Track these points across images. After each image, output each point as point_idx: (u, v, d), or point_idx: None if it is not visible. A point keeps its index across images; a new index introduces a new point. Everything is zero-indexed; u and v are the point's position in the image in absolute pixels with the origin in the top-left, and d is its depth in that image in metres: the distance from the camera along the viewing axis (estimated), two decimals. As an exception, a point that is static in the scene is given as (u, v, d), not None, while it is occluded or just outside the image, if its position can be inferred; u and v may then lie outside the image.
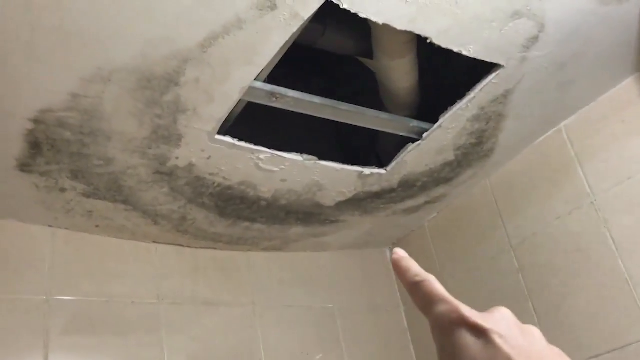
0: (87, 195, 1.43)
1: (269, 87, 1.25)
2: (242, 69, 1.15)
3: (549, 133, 1.64)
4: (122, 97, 1.16)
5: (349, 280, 2.03)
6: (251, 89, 1.22)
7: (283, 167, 1.48)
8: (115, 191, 1.44)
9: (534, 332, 0.39)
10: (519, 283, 1.66)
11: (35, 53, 1.03)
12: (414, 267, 0.43)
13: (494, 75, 1.34)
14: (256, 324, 1.76)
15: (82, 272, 1.54)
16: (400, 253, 0.45)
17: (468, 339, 0.36)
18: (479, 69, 1.36)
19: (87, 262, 1.56)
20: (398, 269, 0.43)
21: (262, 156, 1.42)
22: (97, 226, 1.57)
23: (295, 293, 1.89)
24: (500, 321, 0.38)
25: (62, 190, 1.40)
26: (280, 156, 1.44)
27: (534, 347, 0.37)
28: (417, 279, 0.42)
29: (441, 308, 0.39)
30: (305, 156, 1.48)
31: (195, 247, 1.77)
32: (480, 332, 0.36)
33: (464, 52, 1.24)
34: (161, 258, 1.69)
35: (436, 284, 0.41)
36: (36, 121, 1.19)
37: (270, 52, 1.12)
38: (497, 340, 0.35)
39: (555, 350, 0.38)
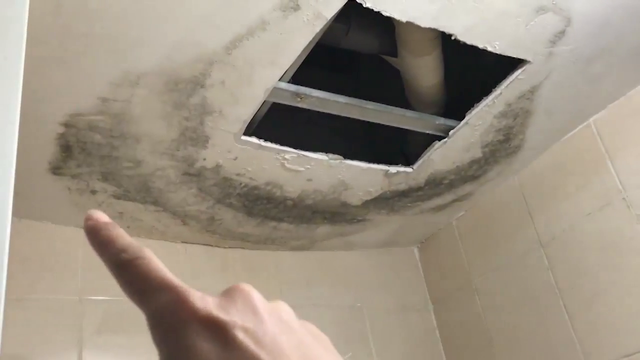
0: (117, 197, 1.46)
1: (294, 87, 1.26)
2: (266, 70, 1.16)
3: (578, 128, 1.61)
4: (150, 100, 1.19)
5: (377, 279, 2.03)
6: (276, 89, 1.23)
7: (308, 166, 1.49)
8: (144, 192, 1.46)
9: (283, 309, 0.30)
10: (549, 281, 1.64)
11: (65, 58, 1.06)
12: (122, 239, 0.30)
13: (520, 71, 1.33)
14: (285, 323, 1.76)
15: (113, 272, 1.57)
16: (97, 216, 0.31)
17: (201, 342, 0.26)
18: (505, 65, 1.35)
19: (119, 262, 1.59)
20: (95, 240, 0.30)
21: (287, 156, 1.43)
22: (127, 227, 1.60)
23: (324, 292, 1.90)
24: (243, 308, 0.28)
25: (93, 192, 1.43)
26: (305, 156, 1.45)
27: (286, 334, 0.28)
28: (125, 256, 0.29)
29: (162, 298, 0.28)
30: (331, 156, 1.48)
31: (224, 247, 1.79)
32: (218, 329, 0.26)
33: (490, 48, 1.23)
34: (190, 258, 1.72)
35: (155, 261, 0.29)
36: (67, 125, 1.22)
37: (294, 53, 1.13)
38: (240, 336, 0.26)
39: (310, 328, 0.31)
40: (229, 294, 0.29)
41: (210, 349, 0.26)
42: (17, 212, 1.46)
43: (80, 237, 1.55)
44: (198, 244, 1.74)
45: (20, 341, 1.38)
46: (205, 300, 0.28)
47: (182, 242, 1.72)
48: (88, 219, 0.31)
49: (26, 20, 0.58)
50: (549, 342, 1.61)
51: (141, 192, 1.46)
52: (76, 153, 1.30)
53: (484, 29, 1.17)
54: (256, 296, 0.29)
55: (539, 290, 1.67)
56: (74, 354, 1.42)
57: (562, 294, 1.61)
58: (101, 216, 0.31)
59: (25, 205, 1.45)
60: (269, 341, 0.27)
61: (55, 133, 1.24)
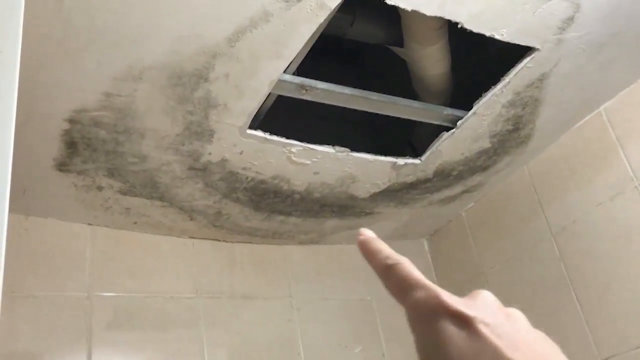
0: (123, 193, 1.46)
1: (299, 79, 1.25)
2: (270, 62, 1.14)
3: (589, 117, 1.59)
4: (154, 95, 1.18)
5: (386, 272, 2.01)
6: (280, 82, 1.22)
7: (315, 159, 1.47)
8: (150, 188, 1.46)
9: (518, 316, 0.36)
10: (560, 272, 1.62)
11: (68, 53, 1.05)
12: (385, 249, 0.38)
13: (528, 59, 1.31)
14: (294, 317, 1.76)
15: (121, 268, 1.57)
16: (367, 233, 0.40)
17: (451, 330, 0.32)
18: (513, 54, 1.32)
19: (126, 258, 1.59)
20: (367, 251, 0.39)
21: (293, 149, 1.42)
22: (135, 223, 1.59)
23: (333, 285, 1.89)
24: (484, 307, 0.34)
25: (100, 188, 1.43)
26: (312, 149, 1.43)
27: (520, 333, 0.33)
28: (389, 261, 0.37)
29: (419, 294, 0.35)
30: (337, 148, 1.47)
31: (232, 242, 1.78)
32: (464, 321, 0.32)
33: (497, 36, 1.21)
34: (198, 253, 1.71)
35: (411, 266, 0.37)
36: (71, 121, 1.21)
37: (298, 44, 1.11)
38: (483, 329, 0.32)
39: (540, 334, 0.35)
40: (471, 296, 0.35)
41: (458, 335, 0.32)
42: (24, 210, 1.46)
43: (88, 233, 1.55)
44: (205, 239, 1.74)
45: (29, 338, 1.38)
46: (453, 298, 0.34)
47: (190, 237, 1.71)
48: (360, 234, 0.40)
49: (22, 14, 0.57)
50: (561, 333, 1.59)
51: (147, 188, 1.45)
52: (81, 149, 1.29)
53: (490, 17, 1.15)
54: (495, 300, 0.36)
55: (550, 281, 1.65)
56: (84, 350, 1.42)
57: (573, 284, 1.59)
58: (370, 233, 0.40)
59: (32, 203, 1.45)
60: (506, 335, 0.32)
61: (60, 129, 1.23)
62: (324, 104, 1.35)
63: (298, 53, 1.14)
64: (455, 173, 1.69)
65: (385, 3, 1.06)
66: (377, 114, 1.46)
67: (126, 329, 1.50)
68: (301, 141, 1.42)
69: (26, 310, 1.40)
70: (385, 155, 1.55)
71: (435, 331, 0.33)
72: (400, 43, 1.39)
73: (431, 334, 0.33)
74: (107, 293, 1.51)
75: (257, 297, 1.73)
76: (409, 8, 1.08)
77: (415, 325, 0.34)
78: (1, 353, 1.34)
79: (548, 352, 0.34)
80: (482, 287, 1.57)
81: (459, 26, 1.16)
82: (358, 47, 1.74)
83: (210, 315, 1.64)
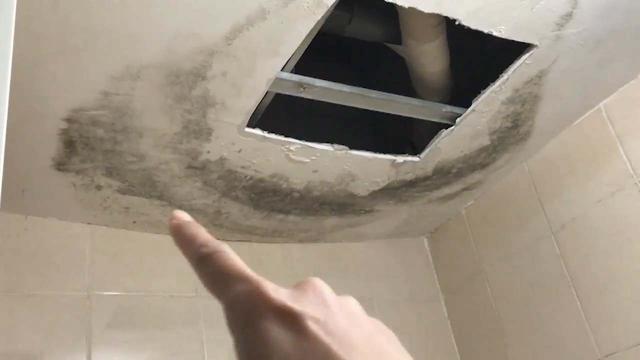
0: (122, 192, 1.46)
1: (296, 77, 1.25)
2: (268, 60, 1.14)
3: (588, 113, 1.58)
4: (152, 94, 1.18)
5: (386, 270, 2.01)
6: (278, 80, 1.21)
7: (314, 157, 1.47)
8: (149, 187, 1.46)
9: (353, 305, 0.31)
10: (560, 269, 1.62)
11: (64, 53, 1.05)
12: (202, 235, 0.32)
13: (527, 55, 1.30)
14: (294, 315, 1.76)
15: (121, 267, 1.57)
16: (180, 216, 0.34)
17: (275, 330, 0.27)
18: (512, 50, 1.32)
19: (126, 257, 1.59)
20: (179, 237, 0.33)
21: (292, 147, 1.42)
22: (134, 222, 1.59)
23: (333, 284, 1.84)
24: (315, 299, 0.29)
25: (98, 187, 1.43)
26: (310, 147, 1.43)
27: (356, 328, 0.29)
28: (205, 250, 0.31)
29: (238, 289, 0.29)
30: (336, 146, 1.47)
31: (231, 240, 1.78)
32: (291, 319, 0.28)
33: (495, 33, 1.20)
34: (198, 252, 1.71)
35: (231, 256, 0.31)
36: (69, 120, 1.21)
37: (295, 42, 1.11)
38: (312, 327, 0.27)
39: (378, 325, 0.31)
40: (300, 287, 0.30)
41: (284, 337, 0.27)
42: (23, 209, 1.46)
43: (87, 232, 1.55)
44: (205, 237, 1.73)
45: (29, 338, 1.38)
46: (278, 292, 0.29)
47: (190, 236, 1.71)
48: (172, 218, 0.34)
49: (14, 14, 0.57)
50: (561, 331, 1.59)
51: (146, 187, 1.45)
52: (79, 148, 1.29)
53: (488, 13, 1.15)
54: (326, 289, 0.31)
55: (551, 278, 1.65)
56: (83, 350, 1.42)
57: (573, 282, 1.58)
58: (184, 216, 0.34)
59: (31, 202, 1.45)
60: (339, 332, 0.28)
61: (57, 129, 1.23)
62: (322, 102, 1.35)
63: (295, 51, 1.14)
64: (454, 171, 1.69)
65: (383, 0, 1.06)
66: (376, 112, 1.46)
67: (126, 328, 1.50)
68: (300, 139, 1.41)
69: (26, 310, 1.40)
70: (385, 153, 1.54)
71: (257, 332, 0.28)
72: (399, 40, 1.39)
73: (252, 336, 0.28)
74: (106, 292, 1.51)
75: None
76: (406, 5, 1.08)
77: (234, 325, 0.29)
78: (1, 352, 1.34)
79: (387, 349, 0.29)
80: (483, 284, 1.57)
81: (457, 23, 1.16)
82: (356, 45, 1.74)
83: (210, 314, 1.63)
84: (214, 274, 0.31)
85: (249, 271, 0.30)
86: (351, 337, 0.28)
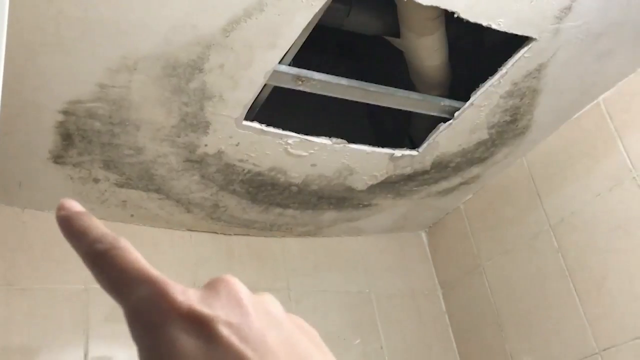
0: (120, 185, 1.45)
1: (294, 70, 1.24)
2: (265, 52, 1.14)
3: (587, 107, 1.58)
4: (149, 86, 1.17)
5: (385, 264, 2.01)
6: (276, 72, 1.21)
7: (312, 151, 1.47)
8: (147, 180, 1.45)
9: (269, 302, 0.28)
10: (558, 263, 1.62)
11: (61, 45, 1.04)
12: (96, 229, 0.28)
13: (526, 49, 1.30)
14: (292, 309, 1.76)
15: (118, 261, 1.56)
16: (69, 206, 0.29)
17: (183, 338, 0.24)
18: (511, 44, 1.32)
19: (124, 251, 1.58)
20: (68, 231, 0.28)
21: (290, 141, 1.41)
22: (132, 215, 1.59)
23: (331, 278, 1.89)
24: (228, 301, 0.26)
25: (96, 180, 1.42)
26: (308, 140, 1.43)
27: (274, 330, 0.26)
28: (100, 247, 0.27)
29: (141, 291, 0.26)
30: (334, 140, 1.46)
31: (230, 234, 1.78)
32: (201, 325, 0.25)
33: (494, 26, 1.20)
34: (196, 245, 1.71)
35: (131, 252, 0.27)
36: (66, 113, 1.20)
37: (293, 34, 1.11)
38: (225, 333, 0.25)
39: (298, 323, 0.29)
40: (212, 287, 0.27)
41: (193, 345, 0.24)
42: (20, 202, 1.46)
43: (84, 226, 1.54)
44: (203, 231, 1.73)
45: (26, 331, 1.38)
46: (186, 294, 0.26)
47: (187, 229, 1.71)
48: (60, 208, 0.29)
49: (7, 6, 0.56)
50: (559, 325, 1.59)
51: (144, 180, 1.45)
52: (77, 141, 1.29)
53: (487, 6, 1.14)
54: (241, 288, 0.28)
55: (549, 272, 1.64)
56: (81, 343, 1.42)
57: (572, 276, 1.58)
58: (74, 205, 0.29)
59: (28, 195, 1.45)
60: (255, 336, 0.25)
61: (54, 121, 1.22)
62: (321, 96, 1.34)
63: (293, 43, 1.14)
64: (452, 165, 1.68)
65: (381, -8, 1.05)
66: (374, 106, 1.45)
67: (124, 321, 1.50)
68: (298, 133, 1.41)
69: (23, 303, 1.40)
70: (383, 146, 1.54)
71: (163, 341, 0.24)
72: (397, 33, 1.39)
73: (158, 346, 0.25)
74: (104, 286, 1.51)
75: (255, 290, 1.70)
76: (404, -3, 1.08)
77: (136, 333, 0.26)
78: (-2, 345, 1.34)
79: (308, 350, 0.27)
80: (481, 278, 1.56)
81: (456, 16, 1.15)
82: (355, 39, 1.73)
83: (208, 307, 1.63)
84: (112, 275, 0.27)
85: (152, 271, 0.27)
86: (268, 341, 0.25)
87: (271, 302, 0.28)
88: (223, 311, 0.26)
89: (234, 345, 0.24)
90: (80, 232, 0.28)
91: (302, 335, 0.28)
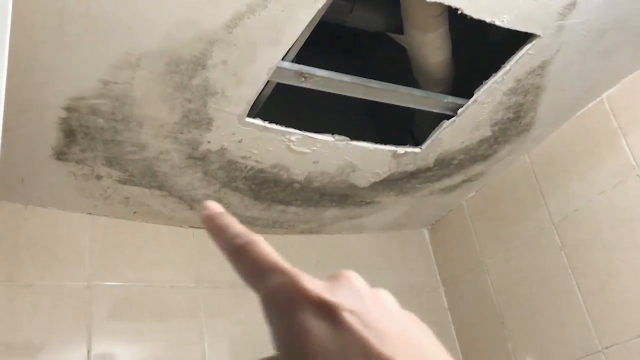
0: (122, 182, 1.45)
1: (297, 66, 1.24)
2: (268, 48, 1.13)
3: (591, 104, 1.57)
4: (152, 82, 1.17)
5: (387, 262, 2.01)
6: (279, 69, 1.20)
7: (315, 148, 1.46)
8: (150, 177, 1.45)
9: (387, 298, 0.31)
10: (561, 261, 1.61)
11: (64, 41, 1.04)
12: (234, 226, 0.32)
13: (529, 45, 1.29)
14: (294, 306, 1.75)
15: (121, 258, 1.56)
16: (212, 207, 0.34)
17: (312, 322, 0.27)
18: (514, 41, 1.31)
19: (126, 248, 1.59)
20: (212, 228, 0.33)
21: (293, 138, 1.41)
22: (134, 212, 1.59)
23: (333, 275, 1.88)
24: (350, 291, 0.29)
25: (99, 177, 1.42)
26: (311, 137, 1.42)
27: (390, 320, 0.29)
28: (239, 241, 0.31)
29: (274, 280, 0.29)
30: (337, 137, 1.46)
31: (232, 232, 1.77)
32: (327, 311, 0.28)
33: (497, 23, 1.19)
34: (199, 242, 1.71)
35: (265, 247, 0.31)
36: (69, 109, 1.20)
37: (296, 31, 1.10)
38: (349, 319, 0.27)
39: (411, 318, 0.31)
40: (334, 279, 0.30)
41: (321, 329, 0.27)
42: (23, 199, 1.46)
43: (87, 223, 1.54)
44: (206, 228, 1.73)
45: (29, 327, 1.38)
46: (314, 283, 0.29)
47: (190, 226, 1.71)
48: (204, 209, 0.34)
49: (10, 3, 0.56)
50: (562, 323, 1.59)
51: (146, 177, 1.45)
52: (79, 138, 1.29)
53: (490, 2, 1.14)
54: (361, 282, 0.31)
55: (552, 270, 1.64)
56: (83, 339, 1.42)
57: (575, 274, 1.58)
58: (215, 207, 0.34)
59: (31, 192, 1.45)
60: (376, 324, 0.28)
61: (57, 118, 1.22)
62: (324, 93, 1.34)
63: (297, 40, 1.13)
64: (455, 162, 1.68)
65: (384, -12, 1.05)
66: (377, 103, 1.45)
67: (126, 318, 1.50)
68: (301, 130, 1.41)
69: (26, 300, 1.40)
70: (386, 144, 1.54)
71: (294, 324, 0.28)
72: (400, 30, 1.38)
73: (289, 327, 0.28)
74: (107, 282, 1.51)
75: (257, 287, 1.73)
76: (408, -7, 1.07)
77: (270, 316, 0.29)
78: (1, 342, 1.34)
79: (421, 341, 0.29)
80: (483, 276, 1.57)
81: (459, 12, 1.15)
82: (358, 36, 1.73)
83: (211, 305, 1.63)
84: (248, 266, 0.31)
85: (282, 262, 0.30)
86: (387, 329, 0.28)
87: (387, 297, 0.31)
88: (346, 300, 0.28)
89: (358, 330, 0.27)
90: (221, 229, 0.32)
91: (417, 329, 0.30)
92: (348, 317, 0.27)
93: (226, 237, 0.32)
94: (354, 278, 0.31)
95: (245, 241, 0.31)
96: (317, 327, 0.27)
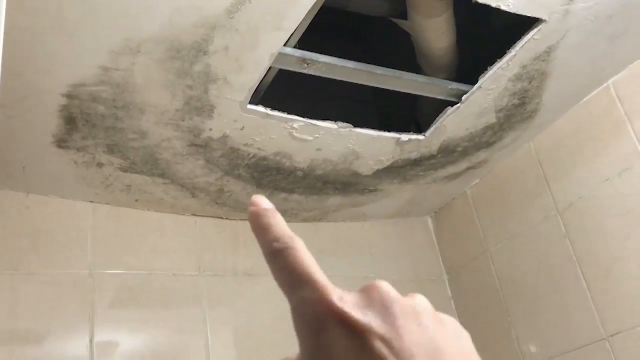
0: (124, 170, 1.44)
1: (300, 52, 1.22)
2: (270, 34, 1.12)
3: (597, 91, 1.56)
4: (153, 69, 1.16)
5: (390, 250, 2.00)
6: (281, 55, 1.19)
7: (317, 135, 1.45)
8: (151, 164, 1.44)
9: (420, 306, 0.30)
10: (566, 249, 1.60)
11: (64, 27, 1.03)
12: (276, 227, 0.31)
13: (535, 30, 1.27)
14: (297, 294, 1.75)
15: (123, 246, 1.56)
16: (260, 203, 0.33)
17: (339, 344, 0.27)
18: (520, 26, 1.29)
19: (128, 236, 1.58)
20: (255, 227, 0.32)
21: (295, 125, 1.40)
22: (136, 200, 1.58)
23: (336, 263, 1.88)
24: (381, 310, 0.28)
25: (100, 165, 1.41)
26: (314, 124, 1.41)
27: (422, 338, 0.28)
28: (277, 245, 0.31)
29: (306, 293, 0.29)
30: (340, 124, 1.45)
31: (234, 219, 1.77)
32: (356, 332, 0.27)
33: (503, 7, 1.18)
34: (201, 230, 1.70)
35: (302, 254, 0.30)
36: (69, 96, 1.19)
37: (298, 15, 1.09)
38: (377, 345, 0.27)
39: (450, 326, 0.30)
40: (366, 293, 0.29)
41: (347, 351, 0.27)
42: (24, 187, 1.45)
43: (89, 211, 1.54)
44: (208, 216, 1.73)
45: (31, 316, 1.38)
46: (343, 300, 0.28)
47: (192, 214, 1.70)
48: (251, 204, 0.33)
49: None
50: (566, 311, 1.58)
51: (148, 164, 1.44)
52: (80, 125, 1.28)
53: (496, -14, 1.12)
54: (393, 295, 0.29)
55: (556, 258, 1.63)
56: (86, 328, 1.42)
57: (579, 262, 1.57)
58: (263, 202, 0.33)
59: (32, 180, 1.44)
60: (404, 350, 0.27)
61: (57, 105, 1.21)
62: (326, 79, 1.33)
63: (299, 25, 1.12)
64: (459, 149, 1.67)
65: (388, -28, 1.03)
66: (380, 89, 1.43)
67: (129, 306, 1.50)
68: (304, 117, 1.39)
69: (28, 288, 1.40)
70: (389, 131, 1.52)
71: (321, 343, 0.27)
72: (404, 15, 1.37)
73: (316, 344, 0.27)
74: (109, 270, 1.51)
75: (260, 275, 1.73)
76: (412, -23, 1.06)
77: (299, 328, 0.29)
78: (3, 330, 1.34)
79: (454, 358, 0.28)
80: (487, 264, 1.55)
81: (464, -4, 1.13)
82: (361, 21, 1.71)
83: (214, 293, 1.63)
84: (283, 273, 0.30)
85: (316, 274, 0.29)
86: (415, 355, 0.27)
87: (422, 307, 0.30)
88: (376, 322, 0.27)
89: (384, 357, 0.26)
90: (263, 228, 0.31)
91: (452, 342, 0.29)
92: (378, 345, 0.27)
93: (266, 239, 0.31)
94: (387, 291, 0.30)
95: (284, 246, 0.30)
96: (343, 349, 0.27)
